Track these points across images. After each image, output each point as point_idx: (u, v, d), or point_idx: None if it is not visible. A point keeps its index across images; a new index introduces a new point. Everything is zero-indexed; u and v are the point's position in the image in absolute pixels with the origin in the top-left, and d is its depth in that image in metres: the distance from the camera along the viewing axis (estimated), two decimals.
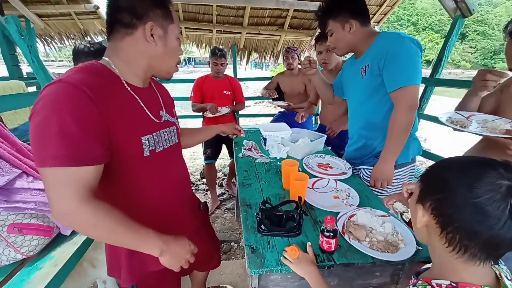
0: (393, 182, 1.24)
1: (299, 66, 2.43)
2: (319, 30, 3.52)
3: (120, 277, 0.84)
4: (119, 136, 0.65)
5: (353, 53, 1.36)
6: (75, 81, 0.59)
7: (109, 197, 0.67)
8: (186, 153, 4.36)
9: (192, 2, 2.94)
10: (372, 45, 1.20)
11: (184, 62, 47.22)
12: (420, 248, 0.84)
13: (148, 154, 0.73)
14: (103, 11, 3.01)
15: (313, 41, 3.71)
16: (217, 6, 3.11)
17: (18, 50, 2.45)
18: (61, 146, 0.55)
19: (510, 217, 0.40)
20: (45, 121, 0.55)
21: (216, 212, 2.50)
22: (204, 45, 3.68)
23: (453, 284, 0.45)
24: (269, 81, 2.75)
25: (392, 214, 0.99)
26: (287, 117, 2.51)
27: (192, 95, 2.44)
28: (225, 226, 2.29)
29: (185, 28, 3.39)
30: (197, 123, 2.81)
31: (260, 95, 2.74)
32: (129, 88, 0.71)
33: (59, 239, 1.04)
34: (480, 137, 1.11)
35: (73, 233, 1.08)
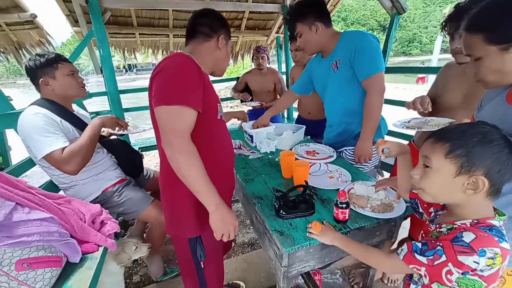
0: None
1: (268, 66, 2.57)
2: (274, 31, 3.74)
3: (178, 232, 1.00)
4: (206, 99, 0.89)
5: (318, 53, 1.54)
6: (189, 56, 0.88)
7: None
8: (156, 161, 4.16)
9: (146, 8, 2.83)
10: (339, 42, 1.38)
11: (124, 70, 43.50)
12: (408, 204, 1.03)
13: (219, 118, 0.99)
14: (41, 20, 2.69)
15: (269, 41, 3.91)
16: (173, 10, 3.04)
17: None
18: (184, 92, 0.80)
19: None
20: (175, 74, 0.81)
21: None
22: (160, 50, 3.55)
23: (475, 221, 0.58)
24: (236, 81, 2.82)
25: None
26: (258, 115, 2.63)
27: None
28: None
29: (140, 34, 3.23)
30: None
31: (230, 96, 2.80)
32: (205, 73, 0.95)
33: (68, 268, 0.98)
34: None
35: (82, 259, 1.02)
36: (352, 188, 1.15)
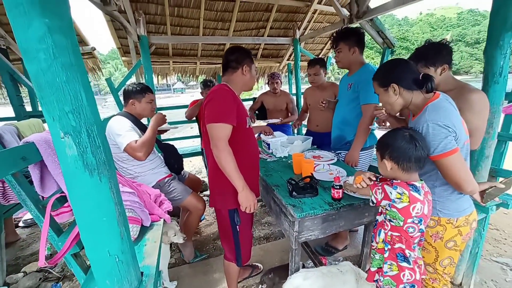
0: (359, 161, 1.86)
1: (281, 88, 3.05)
2: (286, 58, 4.29)
3: (221, 205, 1.38)
4: (238, 114, 1.26)
5: (347, 70, 1.95)
6: (226, 87, 1.29)
7: None
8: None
9: (181, 42, 3.44)
10: (359, 70, 1.81)
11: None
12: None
13: (247, 127, 1.36)
14: (96, 52, 3.32)
15: (281, 67, 4.46)
16: (202, 43, 3.65)
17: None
18: (225, 113, 1.21)
19: (415, 146, 0.95)
20: (218, 102, 1.23)
21: None
22: (188, 74, 4.15)
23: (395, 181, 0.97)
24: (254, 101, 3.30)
25: None
26: (275, 129, 3.07)
27: (188, 106, 2.86)
28: None
29: (173, 62, 3.84)
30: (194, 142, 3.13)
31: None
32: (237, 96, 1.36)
33: (143, 229, 1.38)
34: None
35: (151, 225, 1.43)
36: (347, 180, 1.53)
